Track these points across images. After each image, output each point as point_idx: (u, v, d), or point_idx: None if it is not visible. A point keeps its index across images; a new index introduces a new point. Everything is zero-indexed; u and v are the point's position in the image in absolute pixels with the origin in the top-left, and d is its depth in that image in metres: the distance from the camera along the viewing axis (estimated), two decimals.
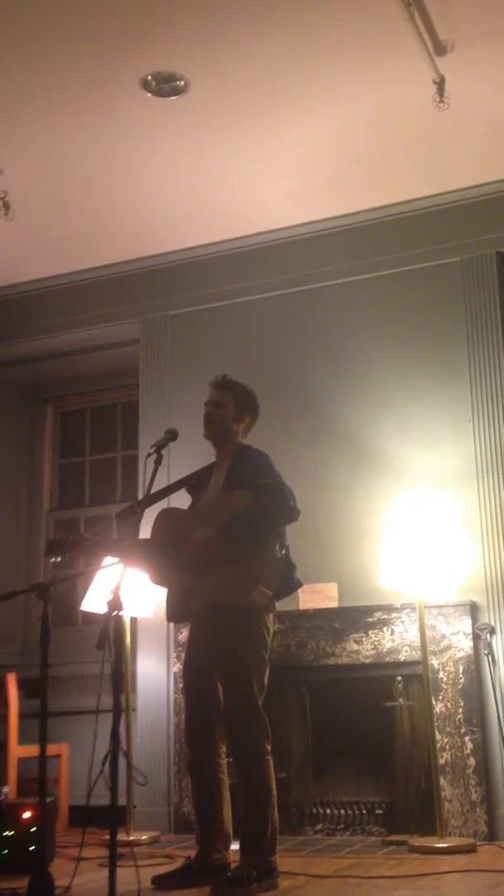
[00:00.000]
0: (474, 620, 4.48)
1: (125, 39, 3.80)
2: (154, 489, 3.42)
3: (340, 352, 5.11)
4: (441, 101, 3.96)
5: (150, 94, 4.12)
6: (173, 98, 4.16)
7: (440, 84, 3.94)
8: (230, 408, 3.64)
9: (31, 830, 3.70)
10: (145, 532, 3.66)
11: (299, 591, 3.70)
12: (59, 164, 4.67)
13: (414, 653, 4.49)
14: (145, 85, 4.07)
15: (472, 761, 4.33)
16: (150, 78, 4.03)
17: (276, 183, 4.88)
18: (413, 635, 4.51)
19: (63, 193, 4.94)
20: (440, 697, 4.42)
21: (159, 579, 3.60)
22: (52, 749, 4.83)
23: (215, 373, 3.80)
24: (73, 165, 4.68)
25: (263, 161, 4.68)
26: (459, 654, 4.46)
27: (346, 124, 4.39)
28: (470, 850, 3.97)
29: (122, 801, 3.83)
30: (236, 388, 3.69)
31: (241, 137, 4.48)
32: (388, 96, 4.19)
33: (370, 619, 4.64)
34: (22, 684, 5.10)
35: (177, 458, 4.42)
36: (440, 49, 3.81)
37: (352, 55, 3.91)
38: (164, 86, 4.08)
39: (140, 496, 3.47)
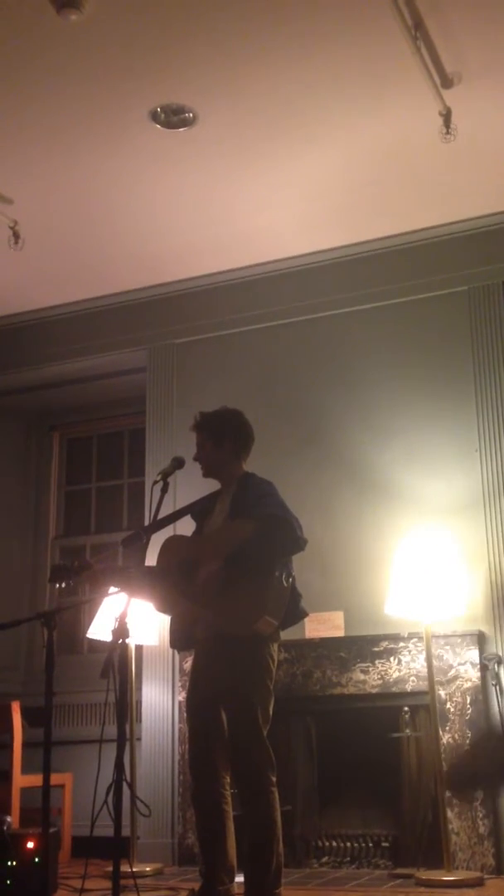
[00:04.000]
0: (482, 650, 4.46)
1: (135, 72, 3.84)
2: (160, 517, 3.42)
3: (347, 380, 5.12)
4: (447, 132, 3.99)
5: (159, 126, 4.17)
6: (182, 130, 4.20)
7: (447, 116, 3.98)
8: (207, 444, 3.65)
9: (34, 861, 3.66)
10: (151, 559, 3.65)
11: (305, 619, 3.68)
12: (69, 194, 4.72)
13: (421, 683, 4.46)
14: (154, 117, 4.12)
15: (479, 793, 4.28)
16: (159, 110, 4.08)
17: (284, 213, 4.91)
18: (420, 665, 4.48)
19: (72, 223, 4.98)
20: (447, 728, 4.39)
21: (164, 607, 3.58)
22: (55, 779, 4.75)
23: (222, 401, 3.79)
24: (83, 195, 4.73)
25: (271, 191, 4.72)
26: (467, 685, 4.42)
27: (353, 155, 4.43)
28: (477, 883, 3.93)
29: (125, 832, 3.79)
30: (207, 422, 3.67)
31: (248, 168, 4.52)
32: (395, 128, 4.23)
33: (377, 649, 4.61)
34: (26, 713, 5.06)
35: (183, 485, 4.42)
36: (446, 82, 3.86)
37: (359, 87, 3.96)
38: (173, 118, 4.13)
39: (146, 524, 3.46)
